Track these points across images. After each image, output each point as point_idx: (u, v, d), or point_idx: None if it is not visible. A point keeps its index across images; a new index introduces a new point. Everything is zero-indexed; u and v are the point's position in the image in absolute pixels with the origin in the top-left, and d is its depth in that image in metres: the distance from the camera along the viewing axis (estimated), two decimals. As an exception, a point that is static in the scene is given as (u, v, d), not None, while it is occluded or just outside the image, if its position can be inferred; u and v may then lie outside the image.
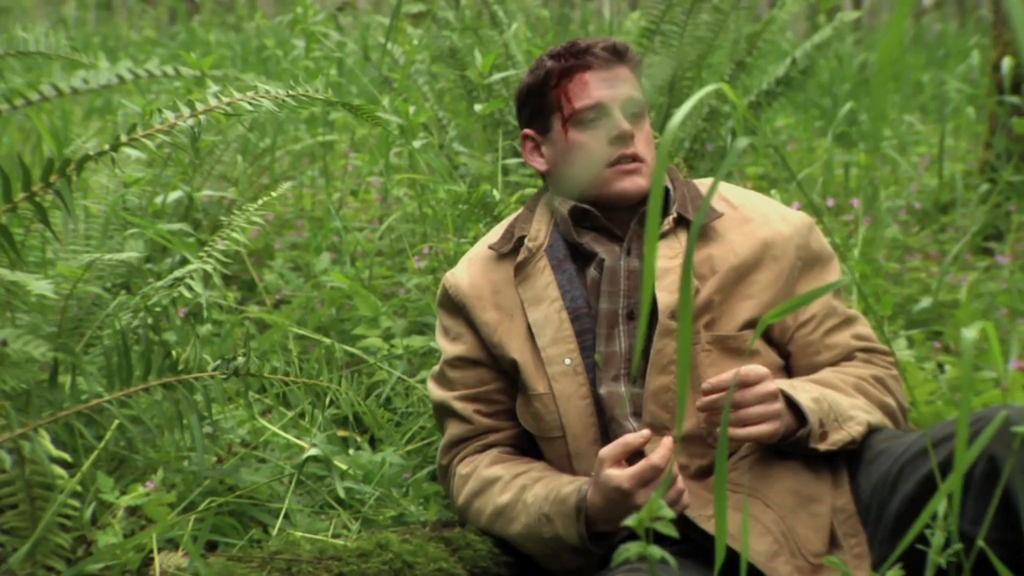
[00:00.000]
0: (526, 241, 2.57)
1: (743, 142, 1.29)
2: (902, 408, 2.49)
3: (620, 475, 2.24)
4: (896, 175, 5.17)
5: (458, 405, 2.63)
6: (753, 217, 2.54)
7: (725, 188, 2.64)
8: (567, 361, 2.49)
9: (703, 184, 2.63)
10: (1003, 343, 3.41)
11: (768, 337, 2.51)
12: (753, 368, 2.26)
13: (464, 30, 4.63)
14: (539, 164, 2.62)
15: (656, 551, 1.45)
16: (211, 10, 11.62)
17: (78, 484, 2.39)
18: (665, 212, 2.55)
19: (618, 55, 2.53)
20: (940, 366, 3.33)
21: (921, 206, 4.74)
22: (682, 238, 2.51)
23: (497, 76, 4.19)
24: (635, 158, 2.49)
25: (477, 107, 3.86)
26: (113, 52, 8.44)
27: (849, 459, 2.37)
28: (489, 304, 2.59)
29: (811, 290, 2.25)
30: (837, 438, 2.30)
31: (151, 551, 2.41)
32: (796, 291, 2.50)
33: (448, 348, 2.67)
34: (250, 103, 2.22)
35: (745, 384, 2.24)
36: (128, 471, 2.67)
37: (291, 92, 2.30)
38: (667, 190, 2.57)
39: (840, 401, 2.34)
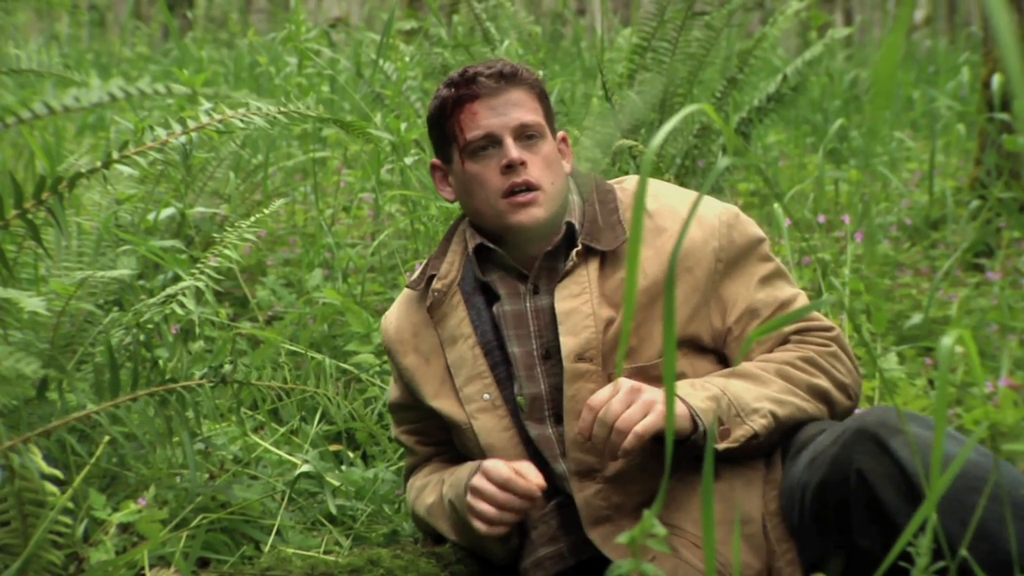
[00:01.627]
0: (435, 281, 2.51)
1: (724, 162, 1.30)
2: (840, 384, 2.38)
3: (496, 471, 2.33)
4: (887, 191, 5.18)
5: (403, 438, 2.70)
6: (666, 227, 2.45)
7: (649, 187, 2.53)
8: (485, 396, 2.47)
9: (623, 186, 2.54)
10: (994, 359, 3.42)
11: (699, 347, 2.43)
12: (599, 393, 2.23)
13: (456, 47, 4.64)
14: (447, 194, 2.55)
15: (651, 568, 1.45)
16: (204, 27, 11.64)
17: (70, 501, 2.39)
18: (571, 244, 2.46)
19: (506, 78, 2.44)
20: (931, 382, 3.34)
21: (912, 222, 4.75)
22: (591, 270, 2.43)
23: (489, 93, 4.19)
24: (528, 186, 2.39)
25: (469, 124, 3.86)
26: (106, 69, 8.45)
27: (782, 456, 2.32)
28: (409, 348, 2.58)
29: (786, 314, 2.19)
30: (739, 434, 2.24)
31: (143, 568, 2.41)
32: (722, 294, 2.41)
33: (390, 391, 2.71)
34: (242, 120, 2.23)
35: (602, 404, 2.21)
36: (120, 488, 2.67)
37: (283, 109, 2.31)
38: (570, 226, 2.46)
39: (743, 395, 2.28)
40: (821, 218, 4.22)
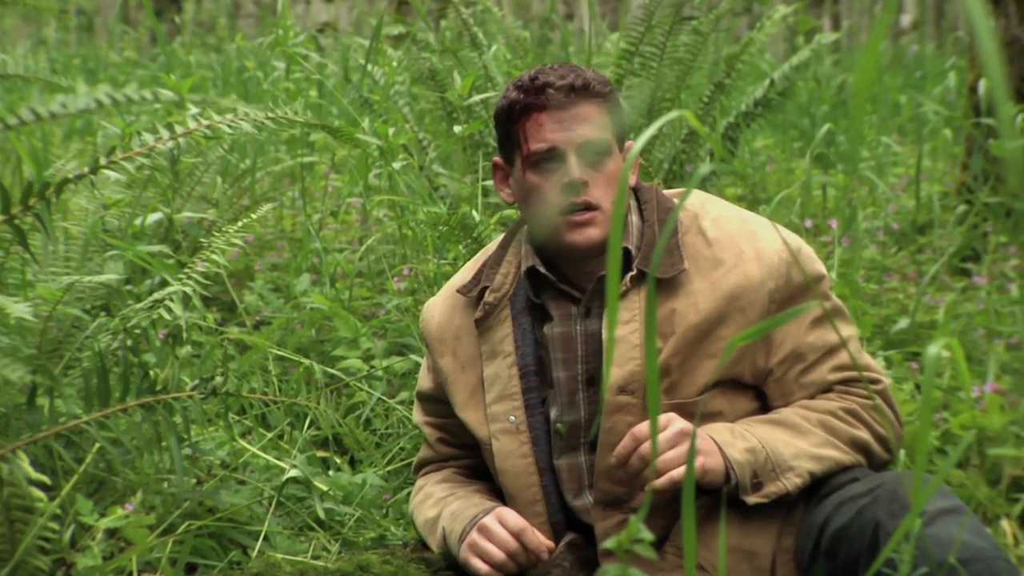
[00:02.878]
0: (488, 293, 2.47)
1: (705, 168, 1.30)
2: (880, 437, 2.35)
3: (513, 520, 2.36)
4: (874, 196, 5.20)
5: (426, 431, 2.68)
6: (724, 259, 2.36)
7: (710, 208, 2.46)
8: (511, 419, 2.45)
9: (687, 207, 2.45)
10: (980, 364, 3.43)
11: (738, 384, 2.39)
12: (644, 425, 2.22)
13: (444, 52, 4.65)
14: (506, 196, 2.51)
15: (637, 573, 1.45)
16: (192, 32, 11.62)
17: (58, 507, 2.39)
18: (626, 267, 2.41)
19: (576, 92, 2.35)
20: (918, 386, 3.35)
21: (899, 227, 4.76)
22: (642, 296, 2.38)
23: (477, 98, 4.20)
24: (588, 206, 2.34)
25: (457, 129, 3.87)
26: (94, 73, 8.44)
27: (806, 498, 2.30)
28: (448, 350, 2.55)
29: (763, 322, 2.10)
30: (771, 490, 2.22)
31: (131, 573, 2.41)
32: (774, 337, 2.37)
33: (421, 377, 2.69)
34: (229, 126, 2.23)
35: (646, 437, 2.19)
36: (107, 493, 2.67)
37: (270, 115, 2.31)
38: (627, 252, 2.43)
39: (783, 450, 2.24)
40: (808, 223, 4.23)
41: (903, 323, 3.66)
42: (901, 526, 1.44)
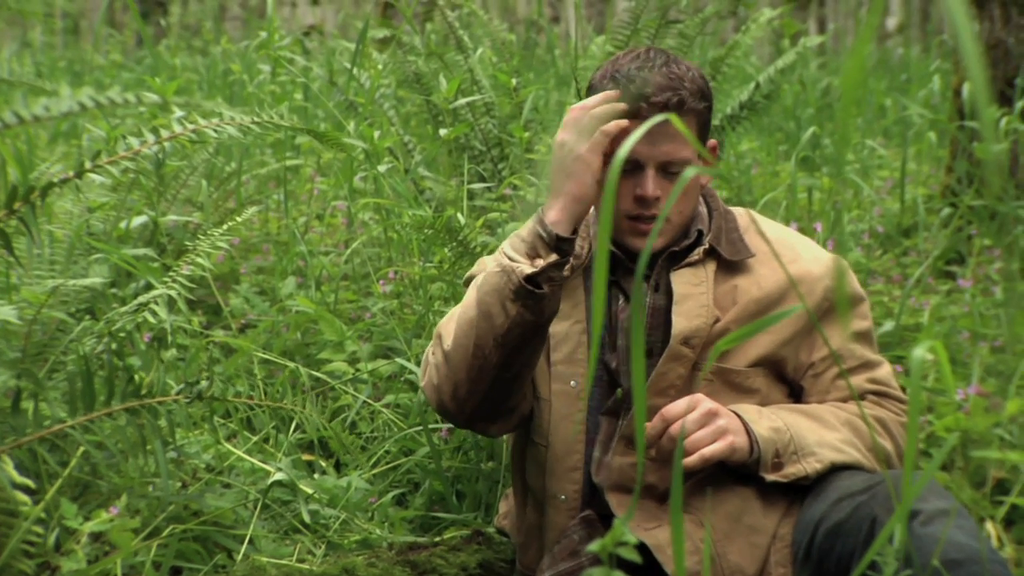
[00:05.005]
0: (571, 259, 2.40)
1: (691, 172, 1.30)
2: (902, 455, 2.42)
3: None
4: (859, 199, 5.21)
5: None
6: (784, 254, 2.48)
7: (760, 219, 2.58)
8: (572, 383, 2.48)
9: (740, 214, 2.55)
10: (965, 366, 3.44)
11: (779, 374, 2.46)
12: (674, 405, 2.27)
13: (430, 55, 4.65)
14: None
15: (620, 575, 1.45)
16: (178, 34, 11.61)
17: (42, 511, 2.39)
18: (698, 243, 2.48)
19: (669, 109, 2.33)
20: (903, 389, 3.36)
21: (884, 230, 4.77)
22: (709, 269, 2.45)
23: (462, 101, 4.21)
24: (654, 218, 2.38)
25: (442, 132, 3.87)
26: (79, 76, 8.42)
27: (805, 491, 2.34)
28: None
29: (765, 318, 2.15)
30: (791, 471, 2.28)
31: (115, 577, 2.40)
32: (819, 336, 2.45)
33: (478, 265, 2.63)
34: (214, 129, 2.23)
35: (675, 418, 2.26)
36: (92, 497, 2.66)
37: (255, 118, 2.31)
38: (700, 233, 2.49)
39: (807, 435, 2.31)
40: (794, 226, 4.23)
41: (888, 326, 3.67)
42: (888, 525, 1.45)
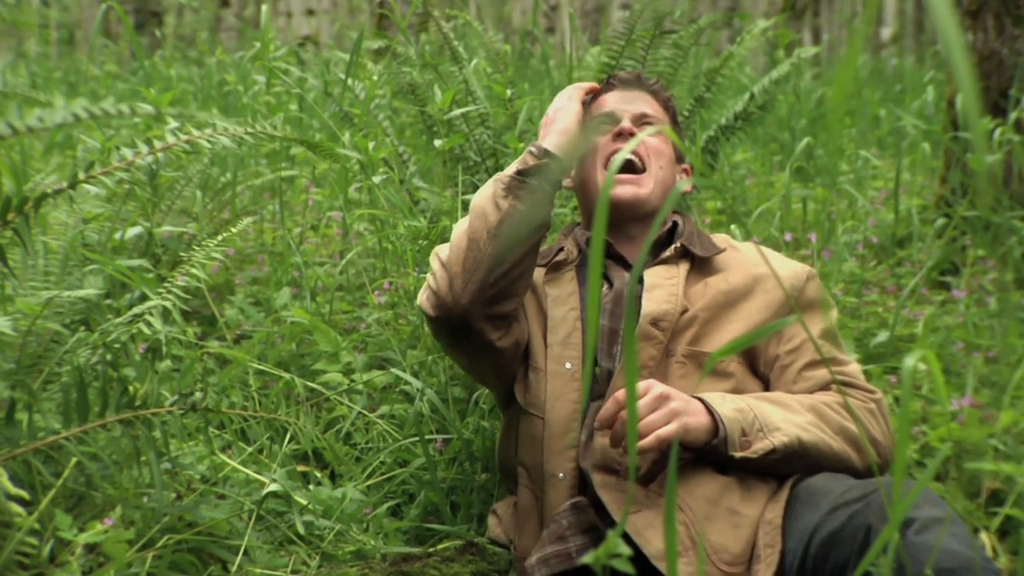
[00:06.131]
0: (560, 254, 2.70)
1: (683, 185, 1.31)
2: (872, 439, 2.46)
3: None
4: (853, 209, 5.21)
5: None
6: (753, 259, 2.65)
7: (729, 238, 2.77)
8: (567, 365, 2.55)
9: (713, 235, 2.77)
10: (959, 376, 3.44)
11: (752, 365, 2.56)
12: (624, 390, 2.32)
13: (424, 66, 4.65)
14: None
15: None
16: (173, 45, 11.61)
17: (36, 522, 2.38)
18: (670, 242, 2.70)
19: (638, 81, 2.79)
20: (897, 399, 3.36)
21: (878, 240, 4.77)
22: (682, 267, 2.61)
23: (457, 112, 4.21)
24: (632, 167, 2.64)
25: (437, 142, 3.88)
26: (74, 87, 8.42)
27: (792, 485, 2.37)
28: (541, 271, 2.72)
29: (770, 324, 2.21)
30: (759, 446, 2.32)
31: (109, 588, 2.40)
32: (787, 330, 2.54)
33: None
34: (209, 140, 2.23)
35: (623, 401, 2.31)
36: (86, 508, 2.66)
37: (250, 129, 2.31)
38: (675, 223, 2.74)
39: (771, 415, 2.37)
40: (788, 236, 4.24)
41: (882, 336, 3.68)
42: (882, 534, 1.45)
